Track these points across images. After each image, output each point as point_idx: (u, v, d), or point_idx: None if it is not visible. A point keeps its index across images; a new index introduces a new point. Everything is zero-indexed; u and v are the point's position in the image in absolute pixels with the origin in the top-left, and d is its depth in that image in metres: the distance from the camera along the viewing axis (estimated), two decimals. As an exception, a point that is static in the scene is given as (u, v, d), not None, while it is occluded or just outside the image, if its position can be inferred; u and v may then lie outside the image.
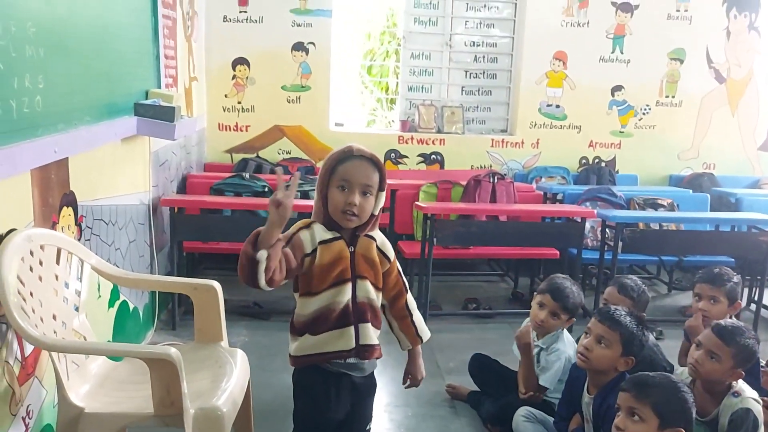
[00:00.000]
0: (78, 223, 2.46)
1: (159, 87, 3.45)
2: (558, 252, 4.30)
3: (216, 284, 2.32)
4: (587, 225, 4.14)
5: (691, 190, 5.04)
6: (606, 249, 4.02)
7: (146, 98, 3.21)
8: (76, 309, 2.15)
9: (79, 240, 2.45)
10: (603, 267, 4.10)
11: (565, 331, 2.81)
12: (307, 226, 1.84)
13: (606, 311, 2.34)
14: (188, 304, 2.39)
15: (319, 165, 5.20)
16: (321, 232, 1.83)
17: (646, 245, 4.01)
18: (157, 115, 3.03)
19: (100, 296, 2.72)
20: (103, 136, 2.62)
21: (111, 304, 2.89)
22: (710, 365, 2.19)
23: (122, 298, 3.02)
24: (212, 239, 3.93)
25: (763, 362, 2.49)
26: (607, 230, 4.04)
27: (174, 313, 3.69)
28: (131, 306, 3.20)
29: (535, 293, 2.86)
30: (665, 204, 4.58)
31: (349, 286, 1.85)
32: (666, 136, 5.68)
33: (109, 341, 2.89)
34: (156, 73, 3.43)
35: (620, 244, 3.88)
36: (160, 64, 3.45)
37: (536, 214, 4.26)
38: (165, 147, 3.79)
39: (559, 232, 4.08)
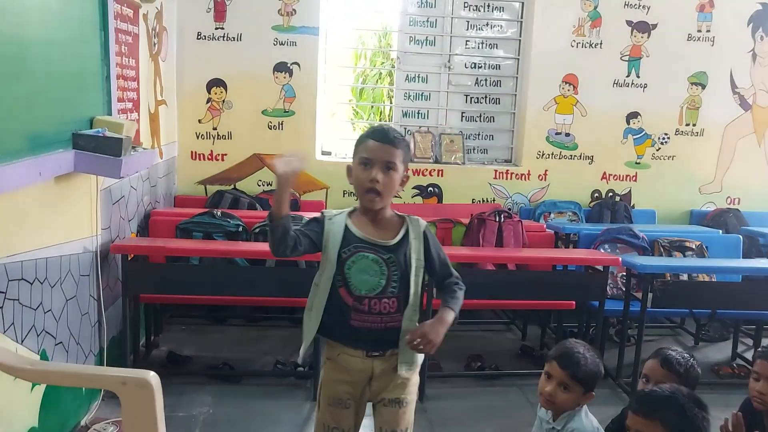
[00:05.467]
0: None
1: (110, 113, 2.91)
2: (574, 303, 3.77)
3: (152, 377, 1.74)
4: (606, 270, 3.60)
5: (721, 231, 4.49)
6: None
7: (90, 127, 2.67)
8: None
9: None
10: (627, 320, 3.58)
11: (584, 408, 2.27)
12: None
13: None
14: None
15: (304, 198, 4.77)
16: None
17: (679, 299, 3.46)
18: (100, 148, 2.48)
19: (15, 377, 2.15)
20: (19, 177, 2.08)
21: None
22: None
23: (52, 372, 2.45)
24: (175, 292, 3.33)
25: None
26: (632, 278, 3.52)
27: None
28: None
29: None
30: (693, 247, 4.04)
31: None
32: (686, 167, 5.15)
33: (33, 428, 2.34)
34: (106, 98, 2.89)
35: (650, 296, 3.36)
36: (111, 87, 2.91)
37: (552, 261, 3.72)
38: (121, 181, 3.23)
39: (579, 283, 3.54)
